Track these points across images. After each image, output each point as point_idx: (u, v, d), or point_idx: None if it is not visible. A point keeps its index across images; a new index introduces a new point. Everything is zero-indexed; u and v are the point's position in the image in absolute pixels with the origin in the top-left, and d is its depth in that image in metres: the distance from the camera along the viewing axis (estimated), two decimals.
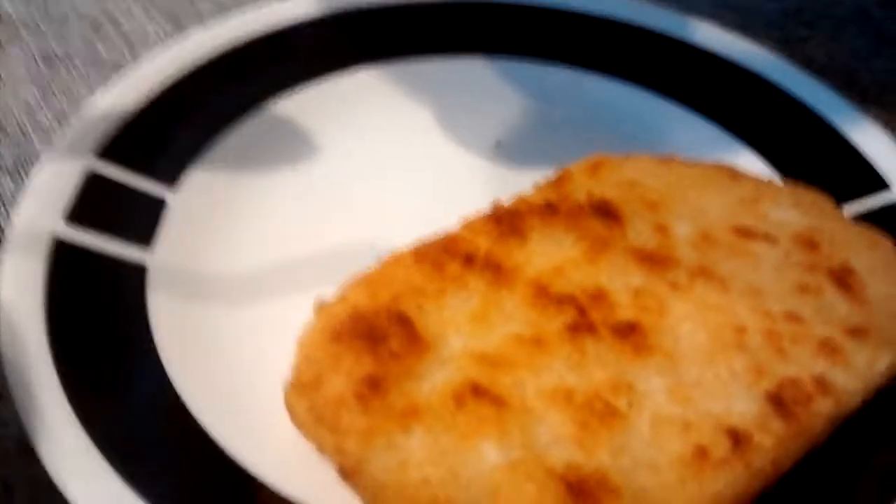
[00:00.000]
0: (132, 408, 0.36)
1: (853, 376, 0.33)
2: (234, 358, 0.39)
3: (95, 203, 0.42)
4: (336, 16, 0.55)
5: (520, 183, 0.42)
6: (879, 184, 0.47)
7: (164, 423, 0.36)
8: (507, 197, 0.41)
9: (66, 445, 0.33)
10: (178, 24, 0.60)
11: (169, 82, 0.49)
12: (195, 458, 0.35)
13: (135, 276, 0.40)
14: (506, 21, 0.57)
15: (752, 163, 0.48)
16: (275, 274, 0.43)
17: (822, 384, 0.33)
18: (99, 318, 0.38)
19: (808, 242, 0.39)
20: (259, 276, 0.43)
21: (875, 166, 0.48)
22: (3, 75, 0.55)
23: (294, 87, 0.51)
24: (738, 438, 0.31)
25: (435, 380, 0.33)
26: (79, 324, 0.38)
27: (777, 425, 0.32)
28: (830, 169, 0.48)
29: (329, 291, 0.36)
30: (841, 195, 0.44)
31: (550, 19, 0.57)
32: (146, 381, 0.37)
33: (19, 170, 0.49)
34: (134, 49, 0.58)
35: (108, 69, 0.55)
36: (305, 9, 0.55)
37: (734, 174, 0.44)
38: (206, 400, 0.36)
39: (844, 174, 0.48)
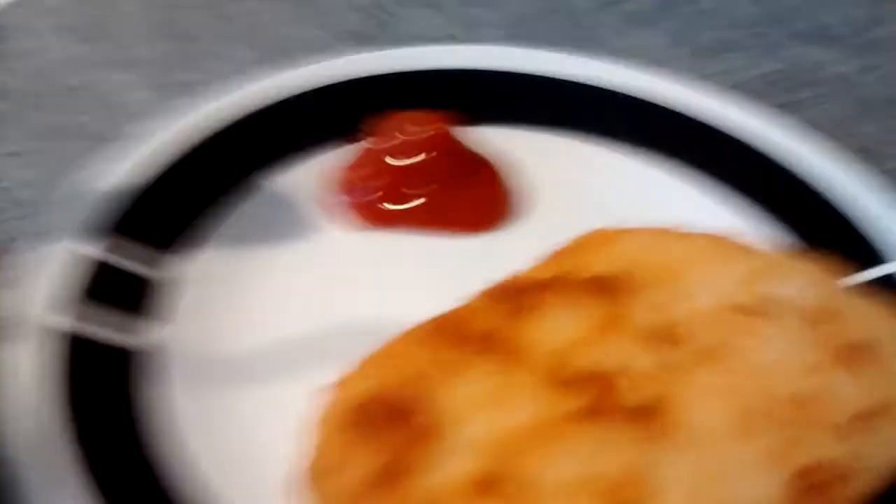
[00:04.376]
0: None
1: (876, 460, 0.33)
2: (237, 446, 0.38)
3: (99, 291, 0.42)
4: (331, 87, 0.55)
5: (519, 255, 0.42)
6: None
7: None
8: (510, 272, 0.40)
9: None
10: (163, 94, 0.59)
11: (163, 161, 0.48)
12: None
13: (142, 363, 0.40)
14: (509, 89, 0.57)
15: (752, 230, 0.48)
16: (271, 355, 0.42)
17: (844, 469, 0.33)
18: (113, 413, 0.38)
19: (818, 319, 0.38)
20: (255, 357, 0.42)
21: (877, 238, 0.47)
22: None
23: (289, 161, 0.51)
24: None
25: (448, 469, 0.32)
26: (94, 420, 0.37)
27: None
28: (836, 238, 0.48)
29: (329, 374, 0.35)
30: (850, 264, 0.43)
31: (549, 88, 0.57)
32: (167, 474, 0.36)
33: None
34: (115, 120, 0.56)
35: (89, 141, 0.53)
36: (299, 81, 0.54)
37: (736, 246, 0.43)
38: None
39: (850, 244, 0.47)
